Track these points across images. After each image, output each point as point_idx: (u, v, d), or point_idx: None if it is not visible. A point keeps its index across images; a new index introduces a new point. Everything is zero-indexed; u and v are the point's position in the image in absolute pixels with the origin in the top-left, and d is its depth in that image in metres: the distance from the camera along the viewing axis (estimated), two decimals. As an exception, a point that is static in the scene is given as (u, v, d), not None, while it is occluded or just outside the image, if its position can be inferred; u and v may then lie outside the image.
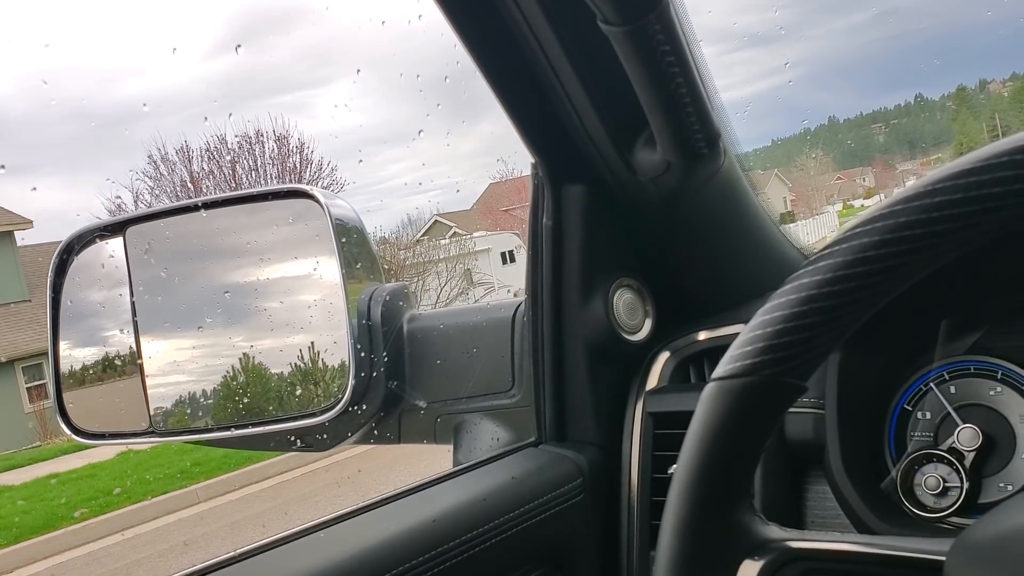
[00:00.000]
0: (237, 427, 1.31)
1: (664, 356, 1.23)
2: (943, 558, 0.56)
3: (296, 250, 1.35)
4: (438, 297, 15.15)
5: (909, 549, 0.62)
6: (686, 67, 0.92)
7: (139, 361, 1.36)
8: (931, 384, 1.04)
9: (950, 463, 0.98)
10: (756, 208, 1.27)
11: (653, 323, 1.24)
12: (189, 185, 13.54)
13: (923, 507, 0.98)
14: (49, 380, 1.39)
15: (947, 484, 0.97)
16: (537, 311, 1.21)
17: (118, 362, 1.39)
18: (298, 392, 1.29)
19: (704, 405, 0.63)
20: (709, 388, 0.63)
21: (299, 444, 1.35)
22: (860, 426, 1.05)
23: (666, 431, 1.16)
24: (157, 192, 13.52)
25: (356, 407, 1.22)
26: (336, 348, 1.26)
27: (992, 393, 1.00)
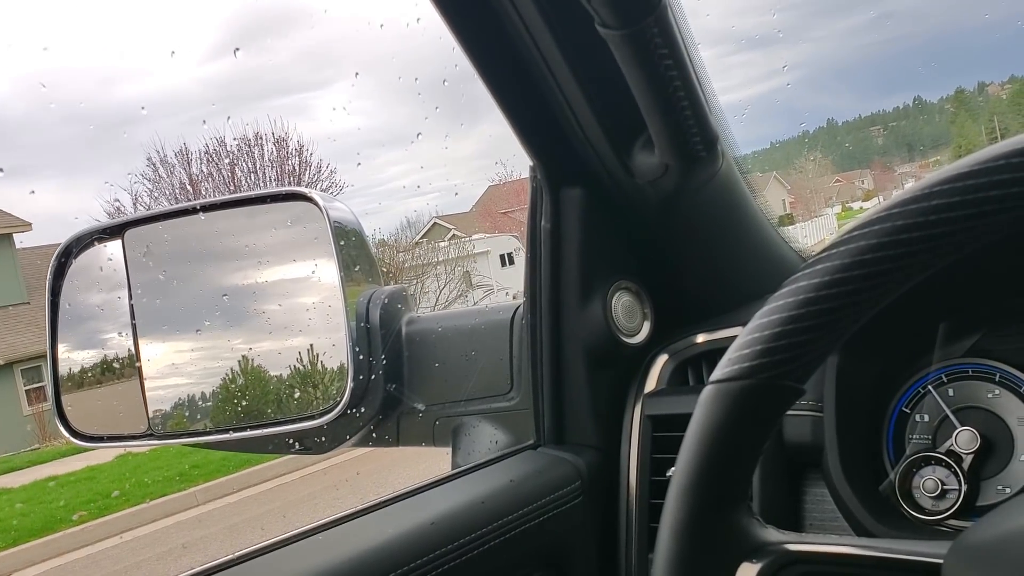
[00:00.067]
0: (235, 430, 1.31)
1: (662, 359, 1.23)
2: (940, 561, 0.56)
3: (295, 253, 1.35)
4: (437, 299, 15.15)
5: (906, 552, 0.62)
6: (684, 70, 0.92)
7: (137, 364, 1.36)
8: (929, 387, 1.04)
9: (948, 466, 0.98)
10: (754, 210, 1.27)
11: (651, 326, 1.24)
12: (188, 187, 13.55)
13: (921, 510, 0.98)
14: (48, 383, 1.39)
15: (945, 487, 0.97)
16: (536, 314, 1.21)
17: (117, 365, 1.39)
18: (296, 395, 1.29)
19: (702, 408, 0.63)
20: (707, 391, 0.63)
21: (297, 447, 1.35)
22: (858, 429, 1.05)
23: (665, 434, 1.16)
24: (156, 194, 13.53)
25: (354, 410, 1.22)
26: (335, 350, 1.26)
27: (990, 396, 1.00)
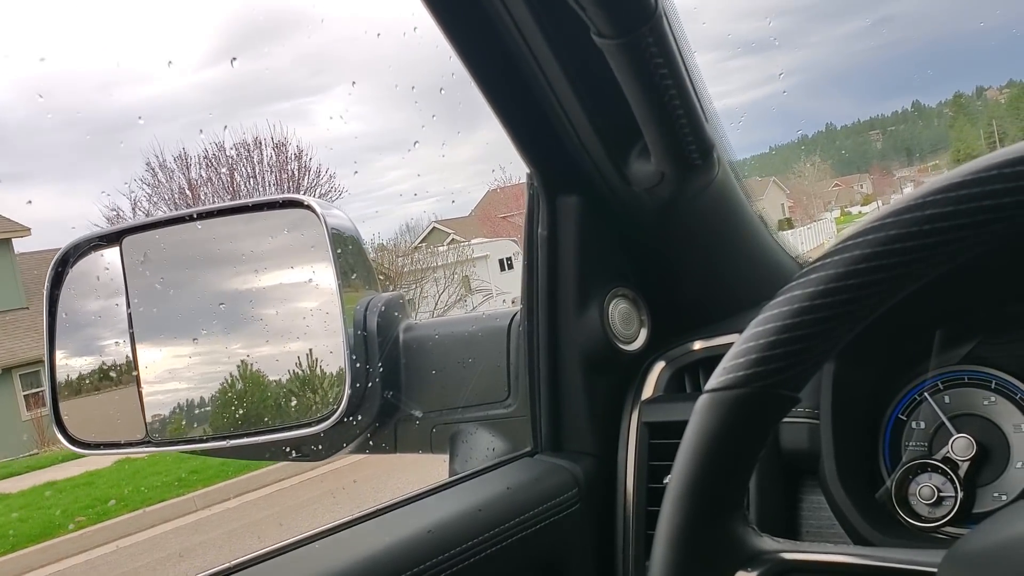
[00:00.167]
0: (233, 437, 1.31)
1: (659, 366, 1.23)
2: (935, 569, 0.56)
3: (292, 260, 1.35)
4: (436, 304, 15.14)
5: (902, 560, 0.62)
6: (679, 79, 0.93)
7: (135, 371, 1.36)
8: (925, 394, 1.04)
9: (944, 473, 0.98)
10: (751, 217, 1.27)
11: (648, 333, 1.24)
12: (187, 192, 13.55)
13: (918, 517, 0.99)
14: (46, 390, 1.39)
15: (942, 494, 0.97)
16: (533, 321, 1.21)
17: (114, 372, 1.39)
18: (294, 402, 1.29)
19: (697, 417, 0.64)
20: (702, 400, 0.64)
21: (295, 455, 1.35)
22: (855, 436, 1.05)
23: (661, 441, 1.16)
24: (155, 199, 13.52)
25: (351, 417, 1.22)
26: (332, 358, 1.26)
27: (986, 403, 1.00)
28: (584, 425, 1.20)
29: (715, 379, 0.63)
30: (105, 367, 1.40)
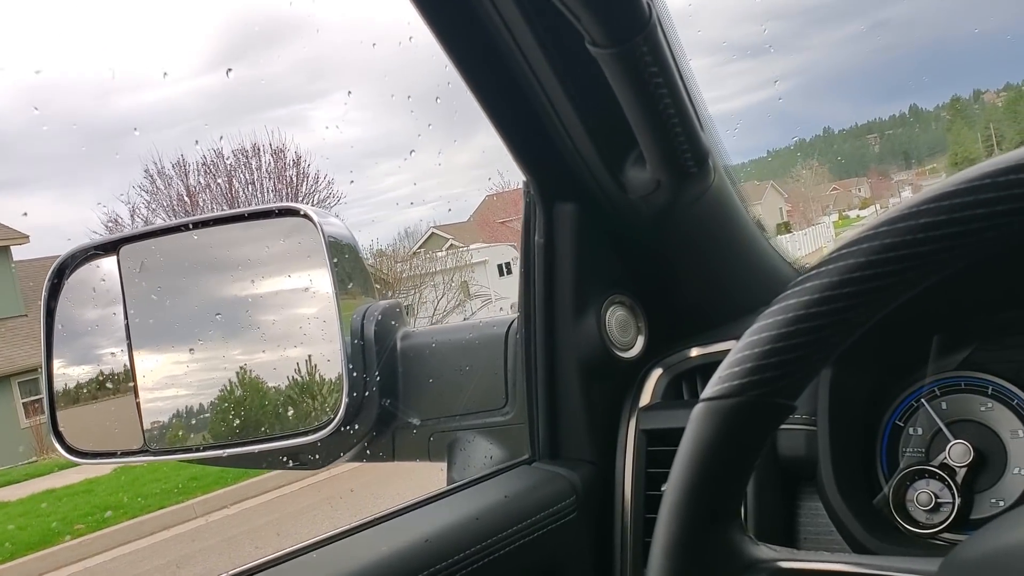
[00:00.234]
0: (230, 446, 1.31)
1: (657, 373, 1.23)
2: None
3: (290, 268, 1.35)
4: (435, 309, 15.14)
5: (899, 569, 0.62)
6: (674, 87, 0.93)
7: (132, 380, 1.35)
8: (922, 400, 1.04)
9: (942, 479, 0.98)
10: (747, 223, 1.28)
11: (645, 340, 1.24)
12: (186, 199, 13.55)
13: (915, 523, 0.99)
14: (43, 399, 1.39)
15: (939, 500, 0.97)
16: (530, 328, 1.21)
17: (112, 380, 1.39)
18: (291, 412, 1.29)
19: (693, 425, 0.64)
20: (698, 409, 0.64)
21: (291, 463, 1.34)
22: (852, 442, 1.05)
23: (659, 448, 1.16)
24: (154, 206, 13.52)
25: (349, 426, 1.22)
26: (330, 366, 1.26)
27: (983, 409, 1.01)
28: (582, 433, 1.20)
29: (711, 388, 0.63)
30: (103, 376, 1.40)
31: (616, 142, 1.06)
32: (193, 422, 1.35)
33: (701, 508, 0.63)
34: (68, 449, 1.37)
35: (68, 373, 1.40)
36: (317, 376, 1.29)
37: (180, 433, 1.36)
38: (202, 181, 13.81)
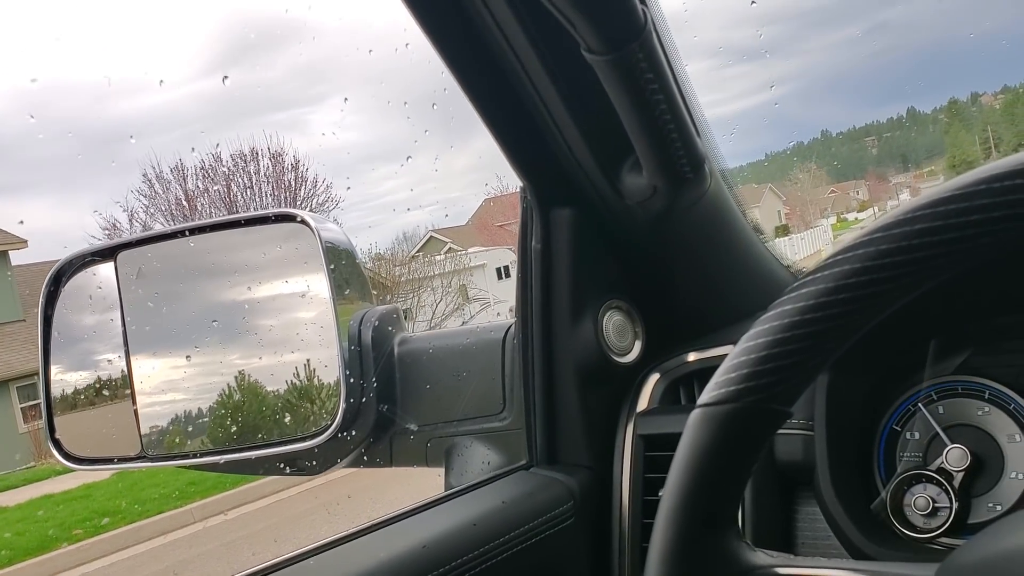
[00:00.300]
0: (227, 452, 1.31)
1: (654, 378, 1.23)
2: None
3: (287, 273, 1.35)
4: (433, 313, 15.14)
5: (896, 574, 0.62)
6: (669, 93, 0.93)
7: (130, 386, 1.35)
8: (919, 404, 1.04)
9: (939, 483, 0.98)
10: (744, 228, 1.28)
11: (643, 345, 1.24)
12: (184, 203, 13.54)
13: (913, 528, 0.99)
14: (41, 406, 1.38)
15: (936, 504, 0.98)
16: (527, 333, 1.21)
17: (109, 387, 1.39)
18: (288, 418, 1.29)
19: (689, 432, 0.64)
20: (694, 415, 0.64)
21: (289, 470, 1.34)
22: (849, 447, 1.05)
23: (657, 453, 1.16)
24: (152, 211, 13.51)
25: (346, 433, 1.21)
26: (327, 371, 1.26)
27: (980, 413, 1.01)
28: (579, 438, 1.20)
29: (707, 394, 0.63)
30: (100, 382, 1.40)
31: (613, 147, 1.06)
32: (190, 428, 1.35)
33: (698, 514, 0.63)
34: (66, 455, 1.37)
35: (66, 379, 1.40)
36: (316, 380, 1.28)
37: (177, 439, 1.36)
38: (200, 185, 13.81)
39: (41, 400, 1.37)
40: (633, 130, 0.97)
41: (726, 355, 0.64)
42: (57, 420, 1.37)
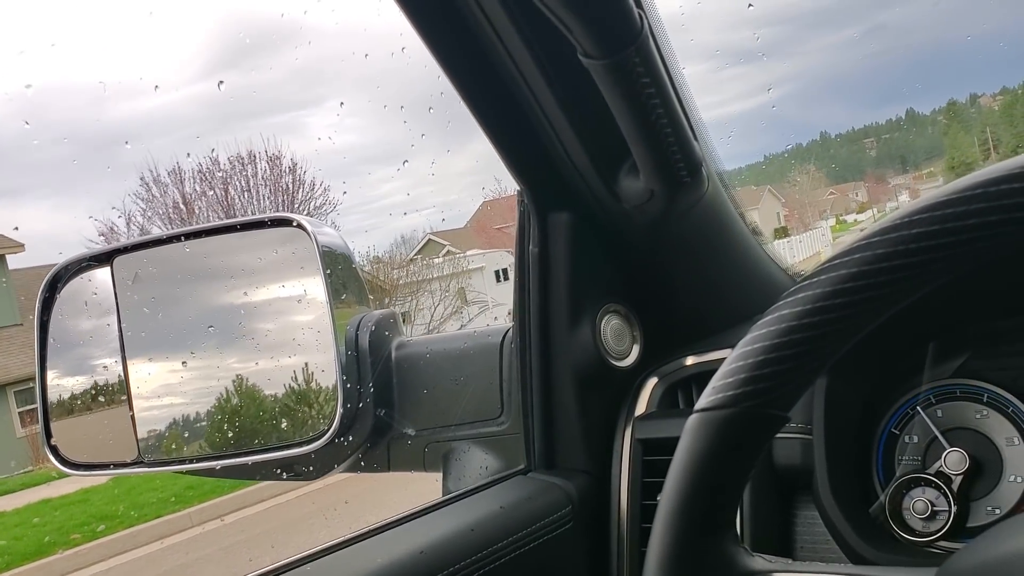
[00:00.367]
0: (223, 457, 1.31)
1: (652, 381, 1.22)
2: None
3: (284, 278, 1.35)
4: (432, 316, 15.12)
5: None
6: (666, 98, 0.93)
7: (127, 391, 1.35)
8: (918, 408, 1.04)
9: (938, 487, 0.98)
10: (742, 231, 1.28)
11: (641, 349, 1.24)
12: (181, 206, 13.53)
13: (912, 531, 0.98)
14: (38, 411, 1.38)
15: (935, 508, 0.97)
16: (525, 338, 1.20)
17: (106, 392, 1.38)
18: (284, 423, 1.28)
19: (687, 436, 0.64)
20: (691, 420, 0.64)
21: (285, 475, 1.34)
22: (848, 450, 1.05)
23: (655, 458, 1.16)
24: (149, 214, 13.49)
25: (342, 438, 1.21)
26: (324, 376, 1.26)
27: (978, 416, 1.00)
28: (577, 442, 1.20)
29: (704, 399, 0.63)
30: (97, 387, 1.39)
31: (610, 151, 1.06)
32: (186, 434, 1.35)
33: (695, 519, 0.63)
34: (62, 461, 1.36)
35: (62, 384, 1.40)
36: (314, 384, 1.28)
37: (174, 444, 1.36)
38: (198, 188, 13.79)
39: (37, 406, 1.36)
40: (630, 134, 0.96)
41: (724, 359, 0.64)
42: (54, 426, 1.37)
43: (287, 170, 13.99)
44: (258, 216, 1.33)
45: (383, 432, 1.30)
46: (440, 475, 1.30)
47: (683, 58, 1.12)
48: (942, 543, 0.96)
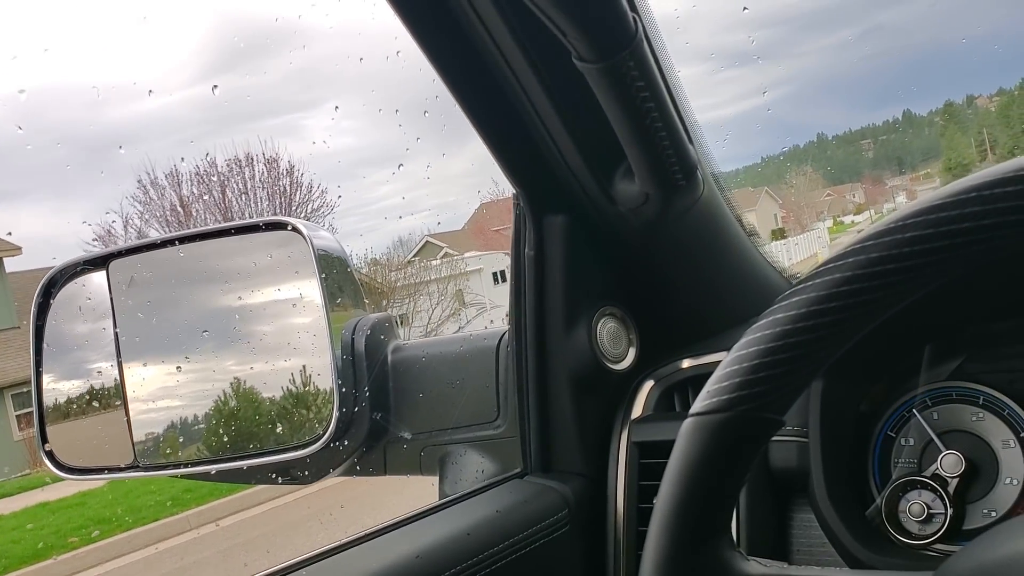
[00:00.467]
0: (219, 461, 1.31)
1: (648, 385, 1.22)
2: None
3: (279, 281, 1.35)
4: (430, 318, 15.12)
5: None
6: (661, 101, 0.93)
7: (123, 395, 1.35)
8: (914, 410, 1.04)
9: (934, 489, 0.98)
10: (738, 233, 1.28)
11: (637, 352, 1.24)
12: (179, 209, 13.52)
13: (908, 534, 0.98)
14: (34, 415, 1.38)
15: (932, 511, 0.97)
16: (521, 341, 1.20)
17: (102, 396, 1.38)
18: (280, 428, 1.28)
19: (682, 441, 0.64)
20: (687, 424, 0.64)
21: (281, 480, 1.34)
22: (844, 453, 1.04)
23: (652, 461, 1.16)
24: (147, 217, 13.48)
25: (338, 442, 1.21)
26: (320, 380, 1.26)
27: (974, 419, 1.00)
28: (574, 445, 1.20)
29: (699, 403, 0.63)
30: (93, 391, 1.39)
31: (605, 154, 1.06)
32: (182, 438, 1.35)
33: (691, 524, 0.63)
34: (58, 465, 1.36)
35: (58, 388, 1.39)
36: (312, 387, 1.28)
37: (169, 449, 1.35)
38: (195, 191, 13.78)
39: (33, 410, 1.36)
40: (625, 138, 0.96)
41: (720, 361, 0.64)
42: (49, 430, 1.36)
43: (284, 172, 13.97)
44: (254, 220, 1.33)
45: (379, 436, 1.30)
46: (436, 479, 1.29)
47: (678, 61, 1.12)
48: (938, 546, 0.96)
